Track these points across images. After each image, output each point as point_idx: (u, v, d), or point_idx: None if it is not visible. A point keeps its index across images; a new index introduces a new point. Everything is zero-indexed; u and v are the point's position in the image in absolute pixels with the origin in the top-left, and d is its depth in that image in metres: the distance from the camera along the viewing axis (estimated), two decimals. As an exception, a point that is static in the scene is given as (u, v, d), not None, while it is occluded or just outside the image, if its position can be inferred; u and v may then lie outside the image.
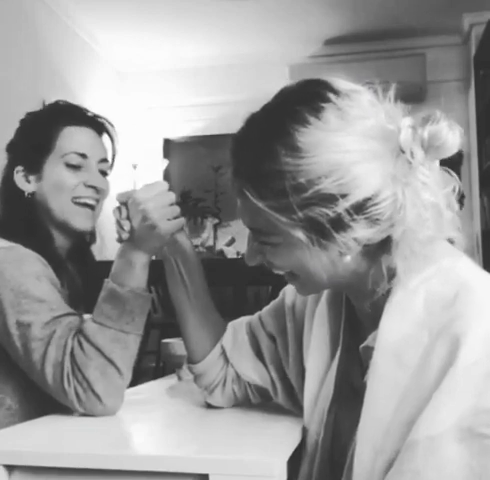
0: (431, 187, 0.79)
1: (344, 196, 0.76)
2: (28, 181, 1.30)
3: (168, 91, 4.74)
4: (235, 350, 1.09)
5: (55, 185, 1.28)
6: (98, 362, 1.06)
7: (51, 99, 3.96)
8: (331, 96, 0.78)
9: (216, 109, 4.60)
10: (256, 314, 1.14)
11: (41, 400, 1.16)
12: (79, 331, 1.09)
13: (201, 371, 1.10)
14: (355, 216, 0.77)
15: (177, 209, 1.08)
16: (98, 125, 1.36)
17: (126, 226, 1.07)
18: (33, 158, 1.30)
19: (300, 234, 0.79)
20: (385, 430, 0.75)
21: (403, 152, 0.78)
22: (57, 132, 1.30)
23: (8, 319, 1.11)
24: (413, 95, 4.24)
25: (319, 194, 0.76)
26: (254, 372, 1.09)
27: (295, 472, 0.94)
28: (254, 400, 1.13)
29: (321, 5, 3.91)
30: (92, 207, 1.30)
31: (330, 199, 0.76)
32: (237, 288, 3.00)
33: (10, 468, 0.86)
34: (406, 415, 0.74)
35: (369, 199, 0.77)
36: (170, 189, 1.09)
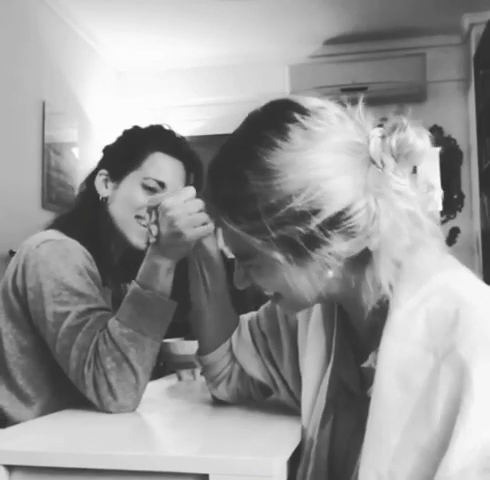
0: (406, 195, 0.78)
1: (316, 212, 0.76)
2: (106, 186, 1.39)
3: (168, 91, 4.73)
4: (239, 345, 1.12)
5: (126, 199, 1.36)
6: (115, 355, 1.10)
7: (51, 99, 3.94)
8: (297, 116, 0.79)
9: (216, 109, 4.60)
10: (257, 311, 1.16)
11: (65, 396, 1.23)
12: (105, 326, 1.14)
13: (209, 362, 1.13)
14: (328, 231, 0.77)
15: (204, 216, 1.08)
16: (189, 161, 1.41)
17: (154, 230, 1.10)
18: (118, 168, 1.38)
19: (276, 255, 0.79)
20: (392, 456, 0.73)
21: (374, 162, 0.78)
22: (147, 154, 1.38)
23: (46, 307, 1.17)
24: (413, 95, 4.24)
25: (291, 213, 0.77)
26: (255, 368, 1.10)
27: (295, 472, 0.94)
28: (256, 397, 1.15)
29: (321, 5, 3.91)
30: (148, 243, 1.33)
31: (302, 217, 0.76)
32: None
33: (10, 468, 0.86)
34: (415, 441, 0.72)
35: (341, 213, 0.77)
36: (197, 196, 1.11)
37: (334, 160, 0.77)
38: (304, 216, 0.76)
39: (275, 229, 0.78)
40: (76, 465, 0.84)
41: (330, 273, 0.80)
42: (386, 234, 0.77)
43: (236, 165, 0.81)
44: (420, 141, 0.79)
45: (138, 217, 1.35)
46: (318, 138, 0.78)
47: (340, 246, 0.78)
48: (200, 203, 1.09)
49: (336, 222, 0.77)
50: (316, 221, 0.76)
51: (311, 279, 0.81)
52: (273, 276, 0.83)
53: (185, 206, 1.07)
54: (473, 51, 4.07)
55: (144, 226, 1.33)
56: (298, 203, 0.76)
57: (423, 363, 0.73)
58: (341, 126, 0.80)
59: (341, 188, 0.76)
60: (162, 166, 1.37)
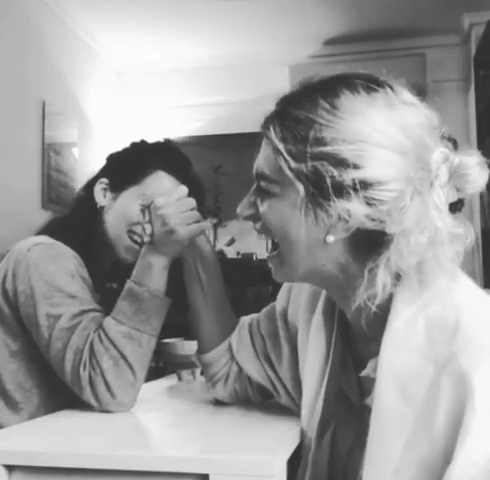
0: (442, 214, 0.78)
1: (356, 167, 0.77)
2: (104, 196, 1.40)
3: (168, 91, 4.73)
4: (240, 346, 1.12)
5: (122, 212, 1.37)
6: (112, 353, 1.11)
7: (51, 99, 3.94)
8: (388, 89, 0.83)
9: (216, 109, 4.59)
10: (257, 314, 1.16)
11: (56, 401, 1.23)
12: (100, 325, 1.15)
13: (207, 361, 1.14)
14: (358, 188, 0.78)
15: (196, 214, 1.12)
16: (189, 183, 1.38)
17: (148, 229, 1.12)
18: (119, 180, 1.39)
19: (300, 186, 0.80)
20: (393, 470, 0.72)
21: (429, 167, 0.78)
22: (150, 171, 1.38)
23: (39, 310, 1.17)
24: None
25: (334, 154, 0.78)
26: (255, 369, 1.10)
27: (295, 472, 0.94)
28: (254, 399, 1.15)
29: (321, 5, 3.91)
30: (141, 245, 1.33)
31: (342, 163, 0.78)
32: (237, 288, 3.00)
33: (10, 468, 0.86)
34: (416, 453, 0.71)
35: (377, 183, 0.77)
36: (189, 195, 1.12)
37: (397, 135, 0.78)
38: (344, 164, 0.78)
39: (313, 160, 0.79)
40: (76, 465, 0.84)
41: (331, 238, 0.80)
42: (408, 227, 0.77)
43: (315, 91, 0.83)
44: (478, 172, 0.80)
45: (131, 231, 1.35)
46: (395, 109, 0.80)
47: (358, 208, 0.78)
48: (192, 201, 1.12)
49: (368, 186, 0.78)
50: (352, 174, 0.77)
51: (313, 234, 0.81)
52: (281, 212, 0.83)
53: (177, 204, 1.10)
54: (473, 51, 4.07)
55: (135, 241, 1.35)
56: (346, 150, 0.78)
57: (423, 373, 0.72)
58: (422, 120, 0.82)
59: (386, 161, 0.78)
60: (163, 185, 1.37)
